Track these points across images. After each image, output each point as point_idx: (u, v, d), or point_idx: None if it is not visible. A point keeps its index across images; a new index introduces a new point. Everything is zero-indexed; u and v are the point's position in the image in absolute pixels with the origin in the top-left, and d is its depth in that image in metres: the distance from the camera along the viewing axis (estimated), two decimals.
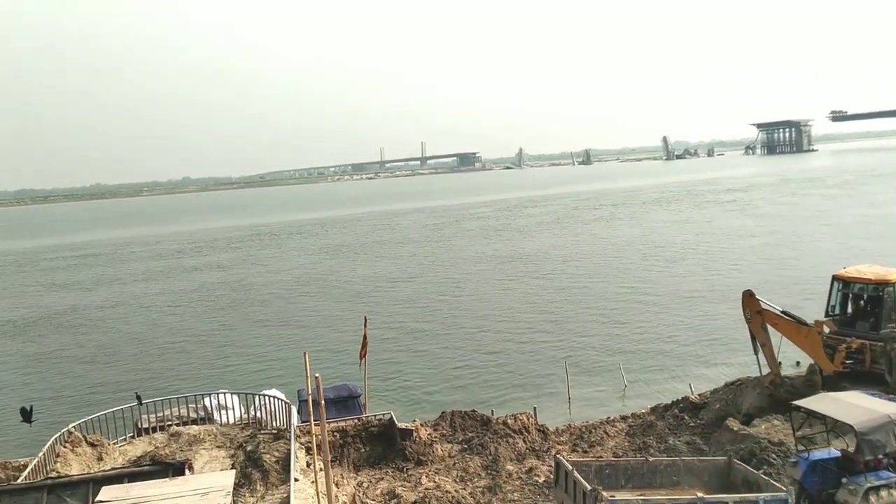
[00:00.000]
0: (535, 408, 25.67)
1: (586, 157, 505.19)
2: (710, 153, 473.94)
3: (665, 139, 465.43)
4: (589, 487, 13.66)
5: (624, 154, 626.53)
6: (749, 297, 22.10)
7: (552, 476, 16.62)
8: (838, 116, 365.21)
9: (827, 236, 70.28)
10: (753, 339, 22.18)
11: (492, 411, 24.70)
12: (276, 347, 42.91)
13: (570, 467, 14.70)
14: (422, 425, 22.45)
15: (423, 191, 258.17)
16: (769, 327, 21.95)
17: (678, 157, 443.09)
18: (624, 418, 24.50)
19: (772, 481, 14.28)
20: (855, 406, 14.33)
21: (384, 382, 33.58)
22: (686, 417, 23.53)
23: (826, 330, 23.24)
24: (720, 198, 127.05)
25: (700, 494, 13.82)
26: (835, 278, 24.43)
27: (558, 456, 16.07)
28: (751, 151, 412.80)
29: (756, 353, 22.26)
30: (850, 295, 24.25)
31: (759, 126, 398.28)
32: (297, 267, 77.18)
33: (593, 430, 22.97)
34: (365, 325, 24.68)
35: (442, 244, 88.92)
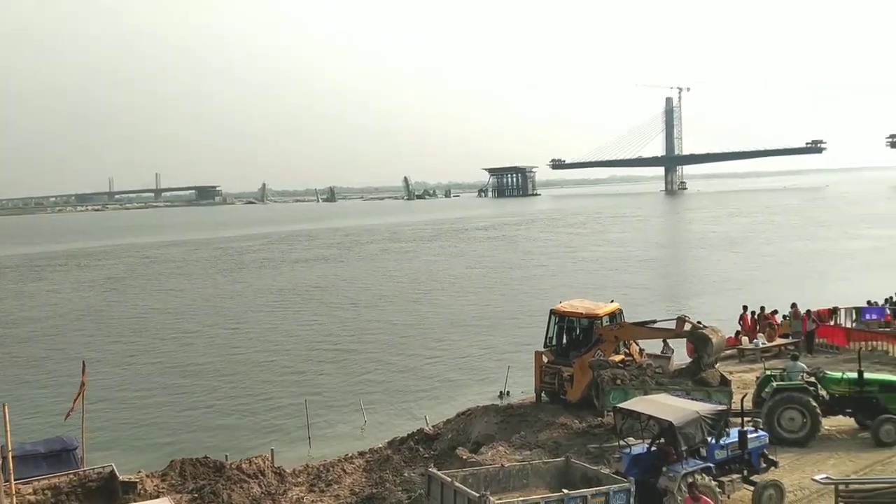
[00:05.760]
0: (272, 450, 25.01)
1: (330, 195, 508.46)
2: (447, 194, 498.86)
3: (406, 179, 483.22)
4: (477, 494, 14.15)
5: (367, 192, 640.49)
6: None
7: (423, 491, 16.91)
8: (557, 164, 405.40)
9: (573, 271, 77.27)
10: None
11: (226, 456, 23.63)
12: None
13: (449, 478, 15.28)
14: (147, 476, 20.89)
15: (160, 224, 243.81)
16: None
17: (418, 196, 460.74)
18: (362, 454, 24.63)
19: (611, 474, 15.62)
20: (669, 405, 16.46)
21: (109, 432, 30.83)
22: (421, 449, 24.23)
23: (545, 360, 25.67)
24: (477, 234, 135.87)
25: (566, 491, 14.59)
26: (552, 312, 26.75)
27: (431, 470, 16.32)
28: (483, 194, 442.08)
29: None
30: (565, 327, 26.66)
31: (490, 171, 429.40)
32: None
33: (331, 469, 22.81)
34: (83, 372, 22.48)
35: (200, 279, 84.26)
